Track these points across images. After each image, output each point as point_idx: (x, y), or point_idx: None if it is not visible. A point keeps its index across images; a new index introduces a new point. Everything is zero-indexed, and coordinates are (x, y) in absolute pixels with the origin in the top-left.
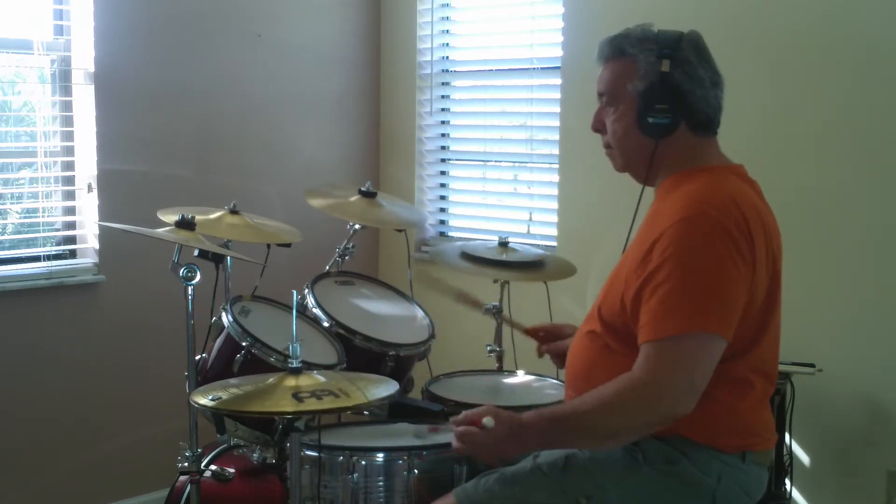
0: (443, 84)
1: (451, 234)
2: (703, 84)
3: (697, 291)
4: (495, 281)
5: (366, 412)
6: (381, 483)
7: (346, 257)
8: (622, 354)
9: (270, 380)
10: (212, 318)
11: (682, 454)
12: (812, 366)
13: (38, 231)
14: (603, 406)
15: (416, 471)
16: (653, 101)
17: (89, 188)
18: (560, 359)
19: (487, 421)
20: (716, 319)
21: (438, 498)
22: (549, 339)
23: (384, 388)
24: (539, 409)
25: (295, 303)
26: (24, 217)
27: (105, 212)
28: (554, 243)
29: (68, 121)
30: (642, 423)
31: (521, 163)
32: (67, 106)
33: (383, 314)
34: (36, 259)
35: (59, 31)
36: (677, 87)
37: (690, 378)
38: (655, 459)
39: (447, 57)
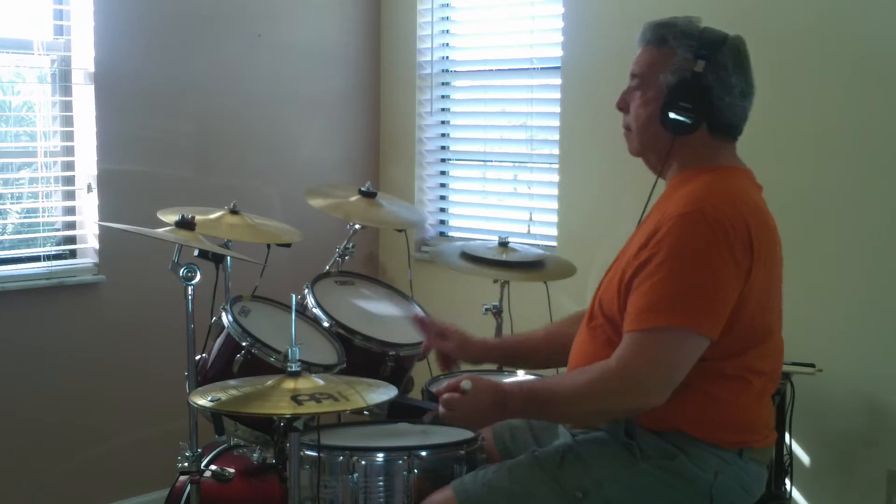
0: (443, 84)
1: (451, 234)
2: (733, 92)
3: (683, 287)
4: (495, 281)
5: (366, 412)
6: (381, 483)
7: (346, 257)
8: None
9: (269, 382)
10: (212, 318)
11: (679, 450)
12: (812, 366)
13: (38, 231)
14: (575, 392)
15: (416, 471)
16: (679, 98)
17: (89, 188)
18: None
19: (465, 384)
20: (698, 316)
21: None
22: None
23: (383, 393)
24: (521, 381)
25: (294, 306)
26: (24, 217)
27: (105, 212)
28: (554, 243)
29: (68, 121)
30: (613, 411)
31: (521, 163)
32: (67, 106)
33: (383, 314)
34: (36, 259)
35: (59, 31)
36: (706, 89)
37: (664, 373)
38: (652, 455)
39: (447, 57)
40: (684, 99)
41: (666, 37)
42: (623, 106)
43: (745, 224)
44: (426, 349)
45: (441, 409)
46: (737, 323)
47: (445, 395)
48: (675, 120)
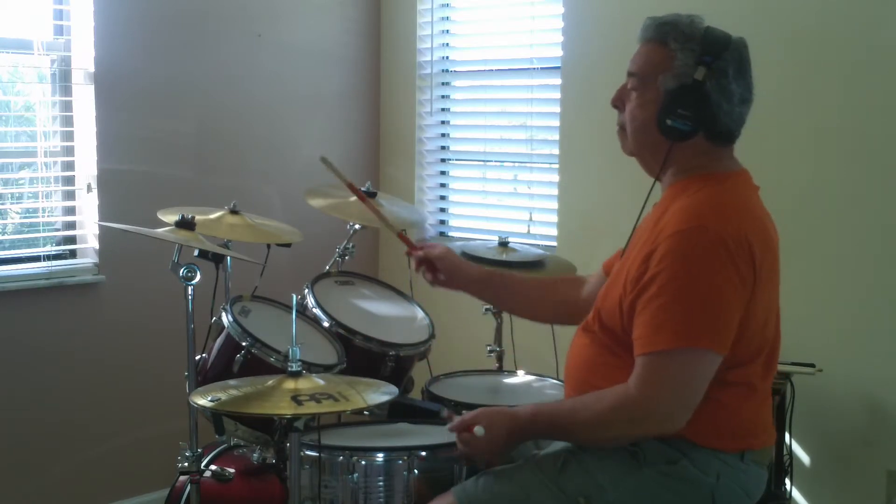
0: (443, 84)
1: (451, 234)
2: (732, 99)
3: (689, 306)
4: None
5: (366, 412)
6: (381, 483)
7: (346, 257)
8: (620, 356)
9: (270, 382)
10: (212, 318)
11: (681, 454)
12: (812, 366)
13: (38, 231)
14: (596, 419)
15: (416, 471)
16: (677, 105)
17: (89, 188)
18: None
19: (478, 430)
20: (708, 335)
21: (438, 496)
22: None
23: (383, 393)
24: (536, 406)
25: (295, 306)
26: (24, 217)
27: (105, 212)
28: (554, 243)
29: (68, 121)
30: (634, 436)
31: (521, 163)
32: (67, 106)
33: (383, 314)
34: (36, 259)
35: (59, 31)
36: (705, 97)
37: (681, 394)
38: (655, 460)
39: (447, 57)
40: (683, 106)
41: (667, 37)
42: (618, 104)
43: (746, 239)
44: (414, 253)
45: (459, 445)
46: (742, 336)
47: (464, 436)
48: (672, 126)
